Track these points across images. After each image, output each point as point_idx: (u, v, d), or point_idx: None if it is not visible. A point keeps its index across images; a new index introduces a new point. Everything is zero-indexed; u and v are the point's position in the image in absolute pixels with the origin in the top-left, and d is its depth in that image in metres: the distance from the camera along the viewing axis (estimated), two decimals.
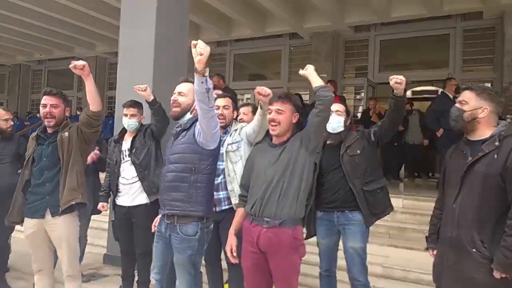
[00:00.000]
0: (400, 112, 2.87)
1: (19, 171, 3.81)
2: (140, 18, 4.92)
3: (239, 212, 2.69)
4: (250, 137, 3.09)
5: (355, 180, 2.91)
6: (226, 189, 3.09)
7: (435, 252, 2.35)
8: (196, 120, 2.51)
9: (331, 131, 2.98)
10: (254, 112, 3.28)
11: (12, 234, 4.00)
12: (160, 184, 2.69)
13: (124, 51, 5.02)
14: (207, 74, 2.21)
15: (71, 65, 2.67)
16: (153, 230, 2.80)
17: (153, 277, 2.82)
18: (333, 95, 2.56)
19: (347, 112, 3.09)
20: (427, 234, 2.46)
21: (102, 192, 3.71)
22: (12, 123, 3.87)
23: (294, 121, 2.59)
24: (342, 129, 3.02)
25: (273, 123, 2.53)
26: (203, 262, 3.03)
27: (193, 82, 2.38)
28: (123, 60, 5.05)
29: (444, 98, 6.03)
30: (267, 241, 2.44)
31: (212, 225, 2.68)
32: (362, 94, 9.53)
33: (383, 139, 3.00)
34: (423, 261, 4.19)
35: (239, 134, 3.14)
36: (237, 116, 3.42)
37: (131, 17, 5.02)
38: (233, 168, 3.08)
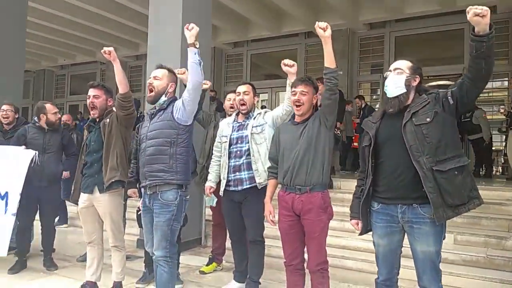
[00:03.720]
0: (487, 58, 1.98)
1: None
2: (166, 20, 5.14)
3: (271, 183, 3.05)
4: (280, 118, 3.35)
5: (422, 158, 2.16)
6: (249, 169, 3.34)
7: None
8: (172, 100, 2.91)
9: (389, 96, 2.33)
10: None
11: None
12: (141, 158, 2.98)
13: (151, 51, 5.25)
14: (198, 46, 2.70)
15: (102, 50, 3.09)
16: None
17: (148, 251, 3.04)
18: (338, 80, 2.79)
19: (413, 68, 2.32)
20: None
21: (131, 178, 3.73)
22: (59, 115, 4.27)
23: (314, 101, 2.91)
24: (403, 91, 2.28)
25: (298, 103, 2.85)
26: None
27: (166, 69, 2.97)
28: (151, 61, 5.30)
29: None
30: (301, 204, 2.78)
31: (188, 196, 2.96)
32: (378, 92, 9.73)
33: (465, 100, 2.17)
34: None
35: (263, 117, 3.43)
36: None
37: (158, 20, 5.24)
38: (258, 149, 3.33)
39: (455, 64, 8.95)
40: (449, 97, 2.19)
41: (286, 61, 3.05)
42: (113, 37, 11.12)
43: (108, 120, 3.27)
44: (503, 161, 8.87)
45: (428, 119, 2.19)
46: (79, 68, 14.40)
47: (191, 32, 2.69)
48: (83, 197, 3.31)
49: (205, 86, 3.70)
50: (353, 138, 8.57)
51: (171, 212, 2.82)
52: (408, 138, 2.20)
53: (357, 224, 2.52)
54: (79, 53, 12.97)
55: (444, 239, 2.29)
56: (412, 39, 9.46)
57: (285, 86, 3.26)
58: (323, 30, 2.61)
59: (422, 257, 2.25)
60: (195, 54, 2.69)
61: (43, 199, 4.07)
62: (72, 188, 3.40)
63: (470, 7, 1.91)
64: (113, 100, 3.41)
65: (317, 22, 2.65)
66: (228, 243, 4.27)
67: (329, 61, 2.70)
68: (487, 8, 1.90)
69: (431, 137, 2.17)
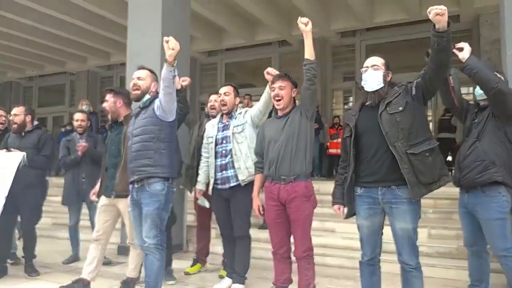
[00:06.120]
0: (446, 51, 2.35)
1: None
2: (146, 28, 5.13)
3: (257, 178, 3.12)
4: (256, 118, 3.44)
5: (397, 143, 2.40)
6: (234, 167, 3.39)
7: None
8: (155, 98, 2.99)
9: (369, 90, 2.57)
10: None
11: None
12: (128, 155, 3.03)
13: (131, 60, 5.16)
14: (175, 64, 2.76)
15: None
16: None
17: (137, 244, 3.09)
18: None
19: (386, 65, 2.61)
20: None
21: None
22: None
23: (293, 95, 3.04)
24: (382, 85, 2.54)
25: (277, 98, 2.97)
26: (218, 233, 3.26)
27: (148, 69, 3.11)
28: (131, 69, 5.20)
29: None
30: (286, 193, 2.86)
31: (175, 188, 3.06)
32: (351, 99, 10.01)
33: (429, 89, 2.48)
34: None
35: (243, 117, 3.51)
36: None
37: (138, 28, 5.24)
38: (239, 148, 3.40)
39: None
40: (413, 88, 2.49)
41: (269, 69, 3.19)
42: (83, 46, 10.88)
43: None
44: None
45: (400, 108, 2.45)
46: (47, 80, 14.05)
47: (172, 52, 2.69)
48: (104, 198, 3.37)
49: (184, 83, 3.71)
50: (327, 145, 8.77)
51: (159, 201, 2.89)
52: (385, 126, 2.45)
53: (339, 208, 2.70)
54: (47, 63, 12.64)
55: (419, 218, 2.51)
56: (381, 48, 9.77)
57: (259, 96, 3.42)
58: (305, 25, 2.85)
59: (401, 234, 2.46)
60: (170, 71, 2.75)
61: (21, 203, 3.90)
62: (98, 184, 3.50)
63: (431, 7, 2.24)
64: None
65: (299, 18, 2.88)
66: (211, 245, 4.29)
67: (309, 53, 2.92)
68: (445, 8, 2.25)
69: (404, 123, 2.42)
